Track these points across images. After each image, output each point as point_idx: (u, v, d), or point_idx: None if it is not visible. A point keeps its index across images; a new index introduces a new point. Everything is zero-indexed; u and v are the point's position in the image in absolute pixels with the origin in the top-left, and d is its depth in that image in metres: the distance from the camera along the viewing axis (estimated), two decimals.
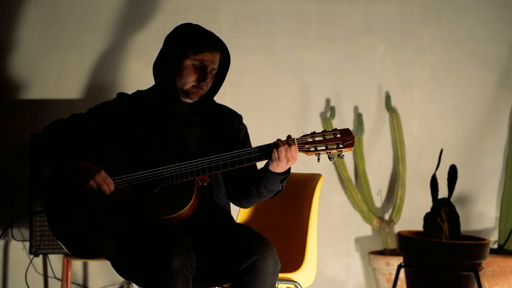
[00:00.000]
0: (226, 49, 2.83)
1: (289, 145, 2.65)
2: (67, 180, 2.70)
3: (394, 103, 4.51)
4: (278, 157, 2.65)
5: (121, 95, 2.89)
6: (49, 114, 4.02)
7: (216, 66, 2.81)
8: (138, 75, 4.15)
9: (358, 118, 4.45)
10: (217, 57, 2.80)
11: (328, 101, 4.45)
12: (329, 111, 4.41)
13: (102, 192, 2.67)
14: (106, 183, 2.67)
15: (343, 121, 4.45)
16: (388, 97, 4.50)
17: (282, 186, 2.78)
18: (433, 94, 4.58)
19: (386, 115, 4.52)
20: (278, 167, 2.68)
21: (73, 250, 2.71)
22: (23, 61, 4.08)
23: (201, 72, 2.77)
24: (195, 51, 2.76)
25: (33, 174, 3.73)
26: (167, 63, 2.79)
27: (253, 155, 2.67)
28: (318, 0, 4.41)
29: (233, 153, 2.67)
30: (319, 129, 4.40)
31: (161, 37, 2.85)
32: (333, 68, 4.45)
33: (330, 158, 2.68)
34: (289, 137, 2.69)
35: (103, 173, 2.67)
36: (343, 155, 2.67)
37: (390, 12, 4.51)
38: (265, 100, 4.37)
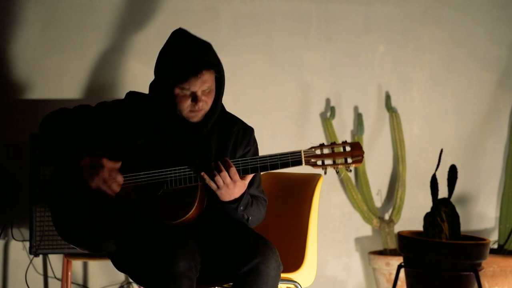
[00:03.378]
0: (218, 64, 2.71)
1: (225, 168, 2.60)
2: (71, 177, 2.68)
3: (394, 103, 4.51)
4: (215, 186, 2.62)
5: (131, 96, 2.84)
6: None
7: (208, 85, 2.69)
8: (138, 75, 4.15)
9: (358, 118, 4.45)
10: (206, 76, 2.67)
11: (328, 101, 4.44)
12: (329, 111, 4.41)
13: (109, 187, 2.65)
14: (113, 176, 2.65)
15: (343, 121, 4.45)
16: (388, 97, 4.49)
17: (247, 218, 2.73)
18: (433, 94, 4.58)
19: (386, 115, 4.52)
20: (222, 196, 2.65)
21: (77, 246, 2.73)
22: (23, 61, 4.08)
23: (193, 97, 2.68)
24: (180, 81, 2.66)
25: (33, 174, 3.72)
26: (159, 92, 2.74)
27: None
28: (318, 0, 4.41)
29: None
30: (319, 129, 4.40)
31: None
32: (333, 68, 4.45)
33: (337, 173, 2.63)
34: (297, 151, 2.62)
35: (108, 164, 2.64)
36: (350, 169, 2.60)
37: (390, 12, 4.51)
38: (265, 100, 4.37)
